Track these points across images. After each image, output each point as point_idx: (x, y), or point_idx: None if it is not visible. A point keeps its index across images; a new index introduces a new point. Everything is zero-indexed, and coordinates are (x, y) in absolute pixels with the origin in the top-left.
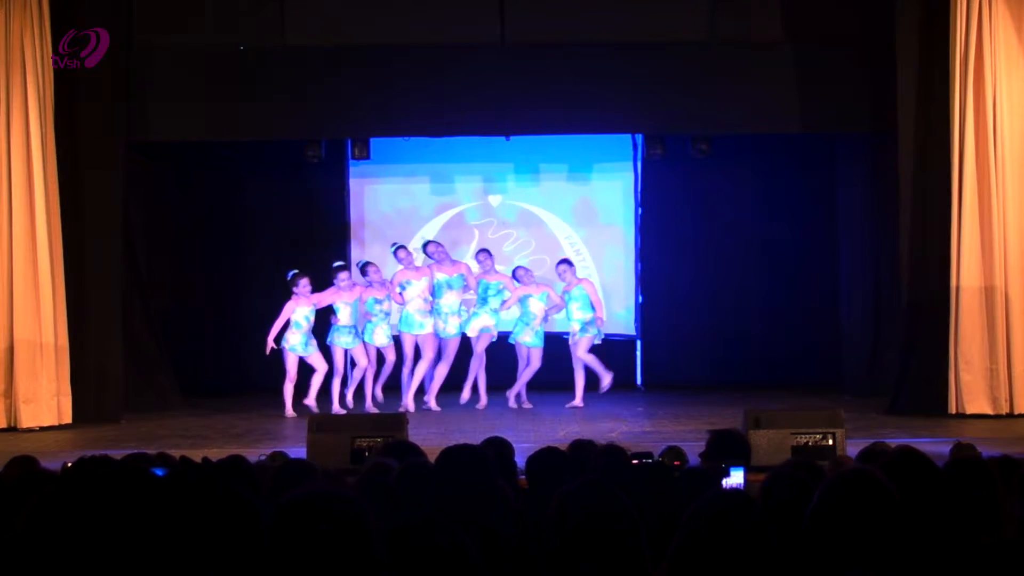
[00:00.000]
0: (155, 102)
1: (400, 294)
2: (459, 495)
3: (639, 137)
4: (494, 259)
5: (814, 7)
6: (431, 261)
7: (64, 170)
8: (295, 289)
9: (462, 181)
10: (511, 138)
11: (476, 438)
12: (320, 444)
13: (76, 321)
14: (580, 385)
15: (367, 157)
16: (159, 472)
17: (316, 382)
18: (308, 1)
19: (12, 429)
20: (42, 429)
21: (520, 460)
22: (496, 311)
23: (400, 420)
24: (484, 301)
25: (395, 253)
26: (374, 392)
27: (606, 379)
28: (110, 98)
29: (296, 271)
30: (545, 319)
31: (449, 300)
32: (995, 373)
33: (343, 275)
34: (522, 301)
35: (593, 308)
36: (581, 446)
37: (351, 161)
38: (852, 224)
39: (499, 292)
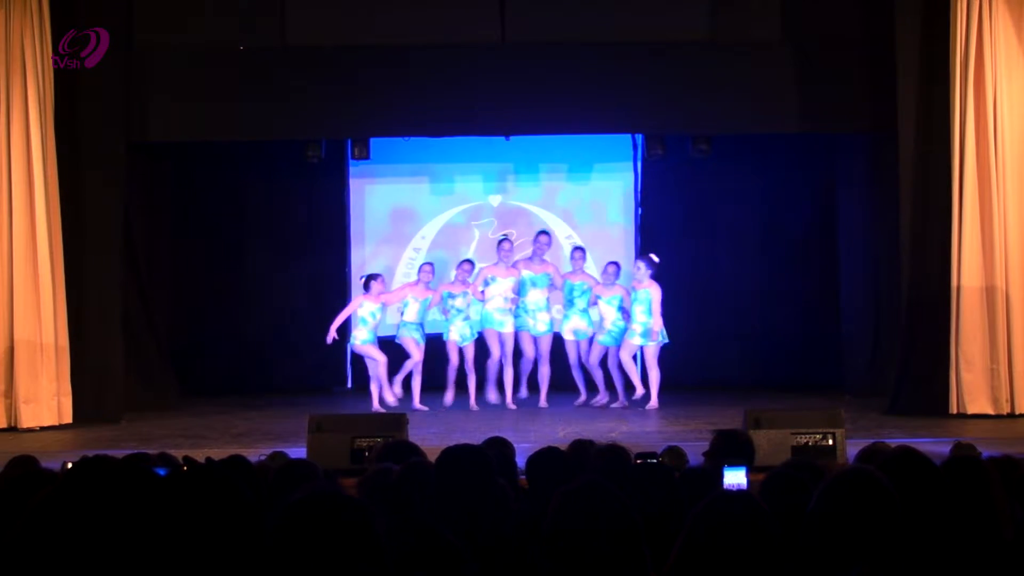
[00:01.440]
0: (155, 102)
1: (482, 291)
2: (459, 495)
3: (639, 137)
4: (586, 258)
5: (814, 7)
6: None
7: (64, 170)
8: (367, 290)
9: (462, 181)
10: (511, 138)
11: (476, 438)
12: (320, 444)
13: (76, 321)
14: (655, 384)
15: (367, 157)
16: (161, 472)
17: (383, 374)
18: (308, 1)
19: (12, 429)
20: (42, 429)
21: (520, 460)
22: (585, 311)
23: (400, 420)
24: (571, 303)
25: (500, 244)
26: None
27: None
28: (110, 98)
29: (370, 274)
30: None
31: (535, 297)
32: (996, 373)
33: (428, 268)
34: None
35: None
36: (581, 446)
37: (351, 161)
38: (852, 224)
39: (584, 292)
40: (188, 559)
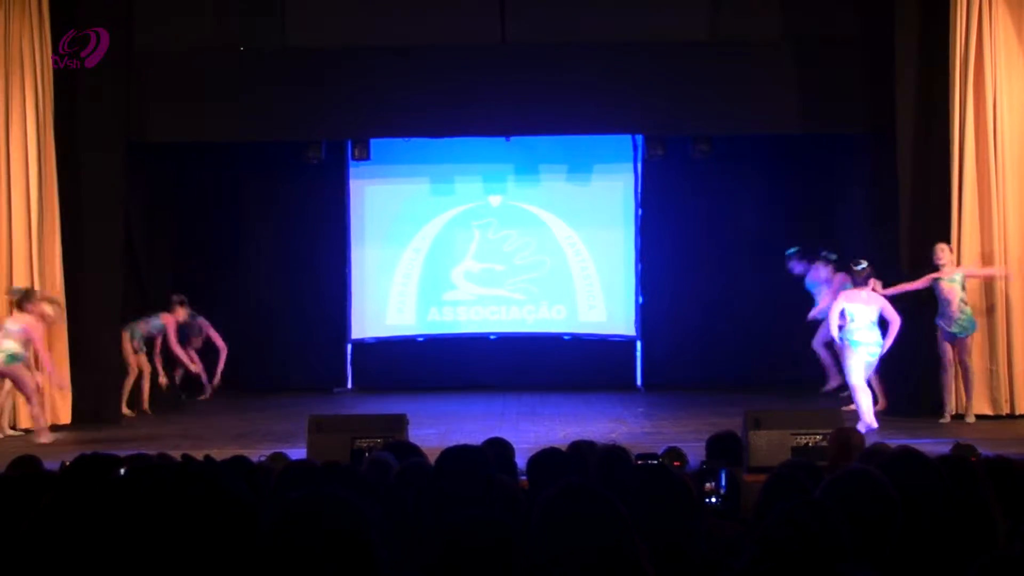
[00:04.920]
0: (155, 102)
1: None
2: (459, 495)
3: (639, 137)
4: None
5: (814, 7)
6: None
7: (64, 170)
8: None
9: (462, 181)
10: (511, 138)
11: (476, 438)
12: (320, 444)
13: (76, 321)
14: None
15: (367, 158)
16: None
17: None
18: (308, 2)
19: (12, 429)
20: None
21: (520, 460)
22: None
23: (400, 420)
24: None
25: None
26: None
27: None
28: (110, 98)
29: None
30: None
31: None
32: (995, 374)
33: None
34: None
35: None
36: (582, 447)
37: (351, 161)
38: (852, 224)
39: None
40: (180, 557)
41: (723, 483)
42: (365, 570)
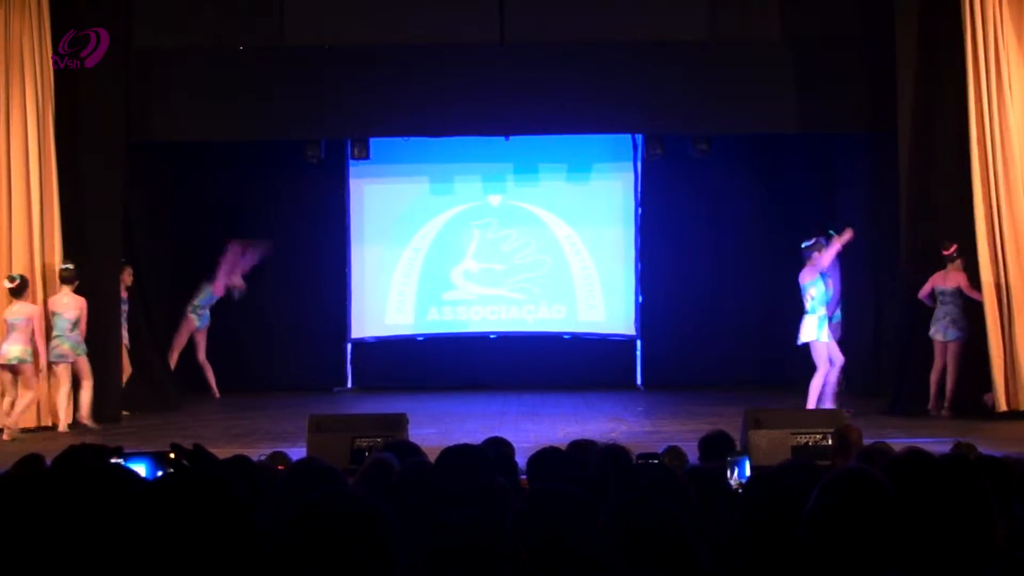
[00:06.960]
0: (155, 102)
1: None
2: (460, 494)
3: (639, 137)
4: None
5: (814, 7)
6: None
7: (64, 170)
8: None
9: (462, 181)
10: (511, 138)
11: (476, 438)
12: (320, 444)
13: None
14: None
15: (367, 157)
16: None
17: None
18: (307, 1)
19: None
20: (43, 429)
21: (520, 460)
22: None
23: (400, 420)
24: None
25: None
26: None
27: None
28: (110, 98)
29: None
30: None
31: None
32: (1013, 371)
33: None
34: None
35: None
36: (582, 446)
37: (351, 161)
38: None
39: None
40: (176, 553)
41: (745, 474)
42: (383, 569)
